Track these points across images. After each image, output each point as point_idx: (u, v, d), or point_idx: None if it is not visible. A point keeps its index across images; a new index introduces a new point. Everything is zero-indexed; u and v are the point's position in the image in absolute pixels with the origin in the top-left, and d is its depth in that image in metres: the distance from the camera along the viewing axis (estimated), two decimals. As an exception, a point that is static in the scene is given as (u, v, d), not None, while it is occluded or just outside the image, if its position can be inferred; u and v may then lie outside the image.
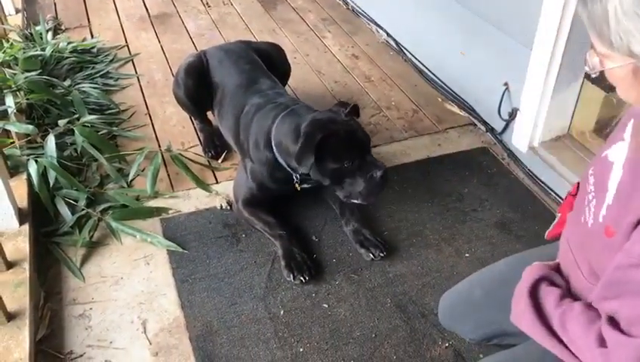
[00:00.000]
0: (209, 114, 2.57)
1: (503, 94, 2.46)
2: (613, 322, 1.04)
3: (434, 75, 3.00)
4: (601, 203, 1.12)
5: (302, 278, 1.91)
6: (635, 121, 1.12)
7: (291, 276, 1.92)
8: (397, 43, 3.29)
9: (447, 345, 1.74)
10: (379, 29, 3.44)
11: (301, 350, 1.73)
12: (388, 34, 3.36)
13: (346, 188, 1.95)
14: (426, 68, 3.06)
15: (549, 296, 1.21)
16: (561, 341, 1.14)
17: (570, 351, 1.13)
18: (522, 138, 2.38)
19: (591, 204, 1.17)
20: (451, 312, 1.68)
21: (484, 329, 1.61)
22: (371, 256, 2.00)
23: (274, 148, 2.01)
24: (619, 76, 0.98)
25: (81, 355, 1.71)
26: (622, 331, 1.01)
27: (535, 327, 1.19)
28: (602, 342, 1.04)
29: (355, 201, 1.98)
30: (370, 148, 1.97)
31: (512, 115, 2.43)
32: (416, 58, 3.15)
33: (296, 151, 1.88)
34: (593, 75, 1.03)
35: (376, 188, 1.93)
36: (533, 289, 1.24)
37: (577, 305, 1.14)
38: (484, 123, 2.66)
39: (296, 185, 2.08)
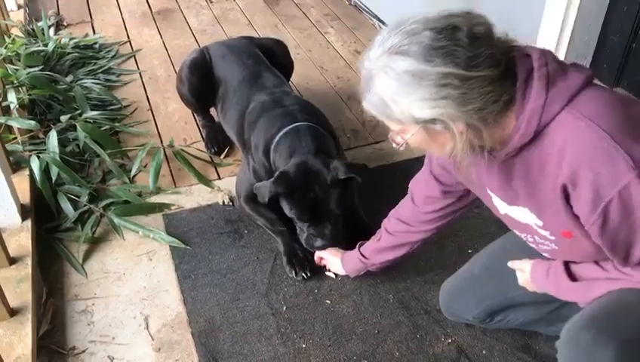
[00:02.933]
0: (212, 110, 2.57)
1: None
2: None
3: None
4: (535, 233, 1.26)
5: (304, 275, 1.91)
6: (484, 177, 1.28)
7: (293, 272, 1.92)
8: (400, 39, 3.27)
9: (450, 341, 1.73)
10: (381, 25, 3.42)
11: (304, 346, 1.73)
12: (391, 30, 3.35)
13: (296, 226, 1.97)
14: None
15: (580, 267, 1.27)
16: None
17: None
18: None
19: (538, 243, 1.30)
20: (452, 293, 1.70)
21: (486, 302, 1.62)
22: (374, 252, 1.99)
23: (270, 157, 2.01)
24: (419, 141, 1.14)
25: (84, 351, 1.71)
26: None
27: (590, 286, 1.24)
28: None
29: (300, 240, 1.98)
30: (333, 218, 1.90)
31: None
32: (419, 54, 3.13)
33: (265, 182, 1.90)
34: (402, 149, 1.18)
35: (311, 248, 1.94)
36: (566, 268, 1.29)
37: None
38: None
39: None
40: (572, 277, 1.26)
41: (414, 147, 1.18)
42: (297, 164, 1.87)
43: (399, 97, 1.05)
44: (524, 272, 1.40)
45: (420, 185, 1.58)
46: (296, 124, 1.99)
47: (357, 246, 1.81)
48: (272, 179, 1.86)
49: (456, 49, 1.01)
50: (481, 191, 1.36)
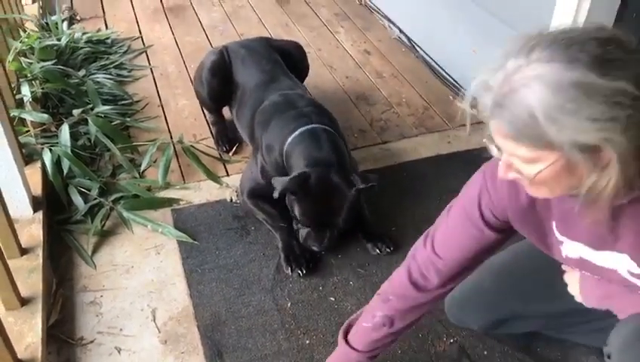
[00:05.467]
0: (224, 108, 2.59)
1: (514, 93, 2.46)
2: None
3: (445, 72, 3.01)
4: (620, 278, 1.13)
5: (299, 271, 1.94)
6: (558, 221, 1.14)
7: (289, 269, 1.95)
8: (409, 39, 3.29)
9: (452, 340, 1.75)
10: (391, 25, 3.44)
11: (307, 342, 1.75)
12: (400, 30, 3.37)
13: (294, 223, 2.00)
14: (438, 65, 3.07)
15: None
16: None
17: None
18: (532, 137, 2.37)
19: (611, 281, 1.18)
20: (460, 302, 1.68)
21: (494, 314, 1.63)
22: (377, 250, 2.02)
23: (284, 157, 2.03)
24: (552, 172, 0.93)
25: (92, 341, 1.75)
26: None
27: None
28: None
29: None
30: (335, 224, 1.95)
31: (523, 114, 2.43)
32: (428, 55, 3.15)
33: (284, 177, 1.92)
34: (524, 183, 1.00)
35: (309, 246, 1.97)
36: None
37: None
38: (495, 121, 2.65)
39: None
40: None
41: (538, 181, 0.96)
42: (320, 172, 1.90)
43: (561, 115, 0.86)
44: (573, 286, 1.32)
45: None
46: (312, 125, 2.02)
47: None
48: (292, 176, 1.89)
49: (628, 63, 0.86)
50: (541, 234, 1.21)
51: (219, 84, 2.46)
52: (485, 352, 1.72)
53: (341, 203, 1.91)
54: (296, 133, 2.00)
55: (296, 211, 1.94)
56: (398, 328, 1.43)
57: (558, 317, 1.56)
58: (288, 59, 2.53)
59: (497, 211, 1.22)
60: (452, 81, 2.95)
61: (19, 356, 1.53)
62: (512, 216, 1.21)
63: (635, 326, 1.16)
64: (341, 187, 1.90)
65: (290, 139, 2.00)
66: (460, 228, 1.29)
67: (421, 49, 3.21)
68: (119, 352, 1.72)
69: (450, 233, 1.32)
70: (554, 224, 1.16)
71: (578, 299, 1.32)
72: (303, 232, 1.97)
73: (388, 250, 2.02)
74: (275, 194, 1.88)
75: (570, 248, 1.17)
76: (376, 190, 1.96)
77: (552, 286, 1.39)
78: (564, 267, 1.35)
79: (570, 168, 0.91)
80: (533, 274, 1.50)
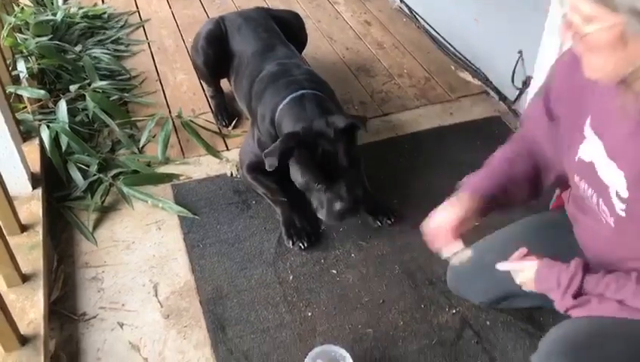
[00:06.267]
0: (223, 81, 2.56)
1: (517, 62, 2.43)
2: None
3: (447, 42, 2.96)
4: (609, 201, 1.16)
5: (301, 244, 1.93)
6: (595, 115, 1.15)
7: (290, 242, 1.94)
8: (410, 9, 3.24)
9: (454, 311, 1.75)
10: (392, -5, 3.39)
11: (309, 314, 1.75)
12: (401, 0, 3.31)
13: (312, 201, 1.91)
14: (439, 35, 3.02)
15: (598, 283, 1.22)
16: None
17: None
18: (535, 107, 2.35)
19: (600, 206, 1.20)
20: (461, 276, 1.69)
21: (494, 291, 1.63)
22: (379, 223, 2.01)
23: (275, 126, 2.00)
24: (604, 40, 0.94)
25: (94, 316, 1.75)
26: None
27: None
28: None
29: (319, 216, 1.93)
30: (347, 174, 1.86)
31: (526, 83, 2.40)
32: (429, 25, 3.10)
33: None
34: (571, 43, 1.00)
35: (334, 216, 1.87)
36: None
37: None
38: (497, 91, 2.63)
39: None
40: (580, 291, 1.22)
41: (588, 47, 0.99)
42: (302, 126, 1.86)
43: None
44: (524, 272, 1.34)
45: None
46: (302, 91, 1.99)
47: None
48: (280, 139, 1.85)
49: None
50: (572, 123, 1.23)
51: (215, 53, 2.42)
52: (488, 322, 1.72)
53: (332, 143, 1.83)
54: (287, 99, 1.97)
55: (299, 176, 1.87)
56: (517, 172, 1.40)
57: None
58: (286, 29, 2.49)
59: (553, 93, 1.27)
60: (454, 51, 2.90)
61: (22, 332, 1.54)
62: (558, 94, 1.25)
63: (557, 337, 1.21)
64: (325, 130, 1.83)
65: (280, 107, 1.97)
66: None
67: (422, 19, 3.15)
68: (122, 327, 1.72)
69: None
70: (589, 119, 1.17)
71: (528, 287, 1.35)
72: (323, 206, 1.87)
73: (389, 222, 2.01)
74: (273, 162, 1.81)
75: (588, 148, 1.18)
76: (365, 130, 1.91)
77: None
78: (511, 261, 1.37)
79: (624, 40, 0.92)
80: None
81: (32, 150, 2.12)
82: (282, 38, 2.40)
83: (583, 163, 1.20)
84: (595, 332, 1.19)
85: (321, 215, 1.90)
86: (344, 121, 1.84)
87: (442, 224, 1.38)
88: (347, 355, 1.54)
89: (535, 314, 1.72)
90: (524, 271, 1.34)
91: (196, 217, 2.06)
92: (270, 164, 1.83)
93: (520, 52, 2.40)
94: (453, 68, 2.85)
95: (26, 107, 2.28)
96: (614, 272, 1.20)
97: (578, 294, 1.23)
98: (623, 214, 1.13)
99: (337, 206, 1.85)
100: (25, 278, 1.70)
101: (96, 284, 1.84)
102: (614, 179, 1.14)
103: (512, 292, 1.58)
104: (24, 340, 1.54)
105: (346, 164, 1.85)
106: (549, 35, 2.17)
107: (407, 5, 3.26)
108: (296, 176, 1.89)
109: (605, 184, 1.16)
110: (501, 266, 1.38)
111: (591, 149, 1.18)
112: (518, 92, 2.47)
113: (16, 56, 2.49)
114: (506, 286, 1.58)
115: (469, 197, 1.39)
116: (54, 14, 2.99)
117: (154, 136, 2.35)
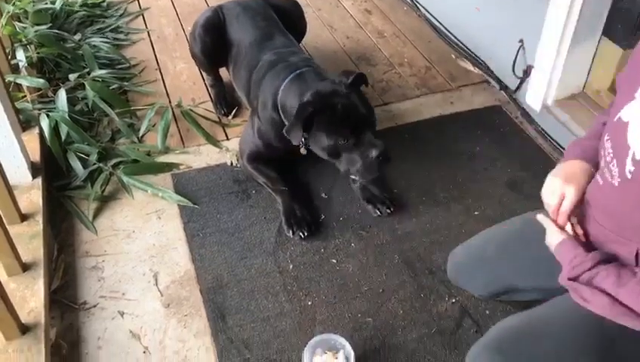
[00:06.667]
0: (222, 70, 2.55)
1: (518, 51, 2.42)
2: None
3: (448, 31, 2.94)
4: (623, 161, 1.16)
5: (301, 234, 1.93)
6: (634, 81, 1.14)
7: (291, 232, 1.94)
8: (411, -2, 3.22)
9: (453, 300, 1.76)
10: (393, -16, 3.36)
11: (309, 303, 1.76)
12: (402, -12, 3.29)
13: (344, 164, 1.90)
14: (440, 24, 3.00)
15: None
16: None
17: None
18: (536, 96, 2.35)
19: (610, 165, 1.20)
20: (462, 268, 1.69)
21: (494, 285, 1.63)
22: (378, 212, 2.01)
23: (279, 110, 2.00)
24: None
25: (95, 305, 1.76)
26: None
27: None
28: None
29: (354, 177, 1.94)
30: (371, 124, 1.87)
31: (527, 72, 2.39)
32: (430, 13, 3.08)
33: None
34: None
35: (371, 167, 1.84)
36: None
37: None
38: (498, 81, 2.62)
39: (302, 148, 1.97)
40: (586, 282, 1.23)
41: None
42: (312, 92, 1.86)
43: None
44: (552, 236, 1.36)
45: None
46: (299, 70, 2.00)
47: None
48: (296, 111, 1.84)
49: None
50: (627, 93, 1.23)
51: (212, 42, 2.41)
52: (487, 312, 1.72)
53: (347, 96, 1.85)
54: (286, 80, 1.97)
55: (326, 137, 1.84)
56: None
57: (554, 293, 1.56)
58: (285, 18, 2.48)
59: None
60: (455, 39, 2.89)
61: (22, 321, 1.54)
62: (632, 61, 1.25)
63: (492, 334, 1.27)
64: (335, 88, 1.86)
65: (281, 88, 1.98)
66: None
67: (423, 7, 3.14)
68: (122, 316, 1.73)
69: None
70: None
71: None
72: (357, 161, 1.84)
73: (389, 211, 2.01)
74: (294, 140, 1.83)
75: (632, 109, 1.18)
76: (367, 84, 1.97)
77: (539, 263, 1.42)
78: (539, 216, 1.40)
79: None
80: (527, 249, 1.50)
81: (31, 139, 2.12)
82: (281, 26, 2.39)
83: (620, 122, 1.20)
84: (527, 330, 1.26)
85: (357, 173, 1.88)
86: (348, 75, 1.89)
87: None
88: (347, 344, 1.55)
89: (534, 306, 1.72)
90: (553, 235, 1.35)
91: (196, 206, 2.06)
92: (295, 136, 1.83)
93: (521, 41, 2.39)
94: (453, 57, 2.83)
95: (25, 96, 2.28)
96: (623, 267, 1.20)
97: (575, 279, 1.24)
98: (629, 176, 1.15)
99: (373, 153, 1.82)
100: (25, 267, 1.70)
101: (96, 273, 1.85)
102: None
103: (512, 287, 1.59)
104: (25, 329, 1.54)
105: (366, 112, 1.87)
106: (550, 25, 2.16)
107: (408, -6, 3.24)
108: (322, 141, 1.86)
109: (628, 145, 1.16)
110: (540, 218, 1.39)
111: (634, 110, 1.18)
112: (518, 81, 2.46)
113: (16, 44, 2.48)
114: (506, 281, 1.58)
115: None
116: (53, 3, 2.98)
117: (154, 126, 2.35)
